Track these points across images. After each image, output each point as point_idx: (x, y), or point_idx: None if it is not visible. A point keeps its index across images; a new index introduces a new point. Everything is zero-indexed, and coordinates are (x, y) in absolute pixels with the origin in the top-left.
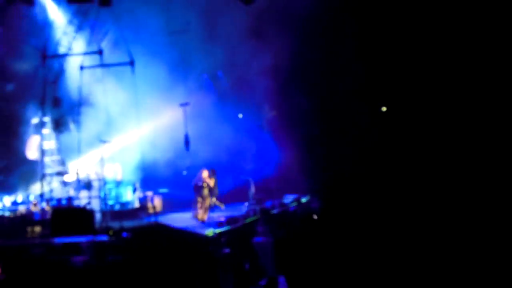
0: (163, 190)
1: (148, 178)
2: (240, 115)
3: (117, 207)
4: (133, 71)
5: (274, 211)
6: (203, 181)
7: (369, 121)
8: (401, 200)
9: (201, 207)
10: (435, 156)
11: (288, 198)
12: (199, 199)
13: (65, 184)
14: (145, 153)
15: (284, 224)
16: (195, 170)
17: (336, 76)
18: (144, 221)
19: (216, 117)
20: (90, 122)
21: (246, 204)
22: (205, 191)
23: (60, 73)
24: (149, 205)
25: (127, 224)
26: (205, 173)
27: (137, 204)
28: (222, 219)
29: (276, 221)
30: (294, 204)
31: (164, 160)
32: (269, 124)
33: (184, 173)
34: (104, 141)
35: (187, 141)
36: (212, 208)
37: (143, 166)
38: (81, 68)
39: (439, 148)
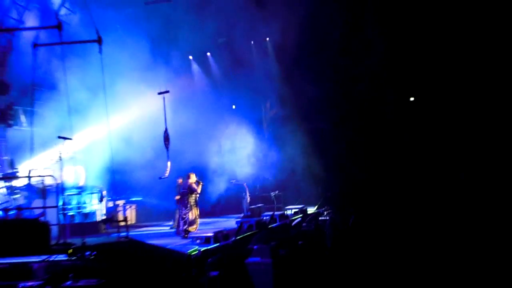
0: (137, 198)
1: (120, 183)
2: (234, 106)
3: (78, 219)
4: (100, 50)
5: (274, 225)
6: (189, 187)
7: (394, 114)
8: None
9: (184, 220)
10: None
11: (291, 209)
12: (185, 209)
13: (13, 190)
14: (116, 152)
15: (286, 242)
16: (177, 173)
17: (355, 57)
18: (113, 237)
19: (204, 109)
20: (47, 113)
21: (241, 215)
22: (191, 200)
23: (8, 52)
24: (120, 216)
25: (92, 240)
26: (192, 177)
27: (104, 216)
28: (210, 234)
29: (276, 238)
30: (299, 216)
31: (139, 161)
32: (270, 118)
33: (163, 177)
34: (63, 138)
35: (166, 138)
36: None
37: (113, 168)
38: (35, 45)
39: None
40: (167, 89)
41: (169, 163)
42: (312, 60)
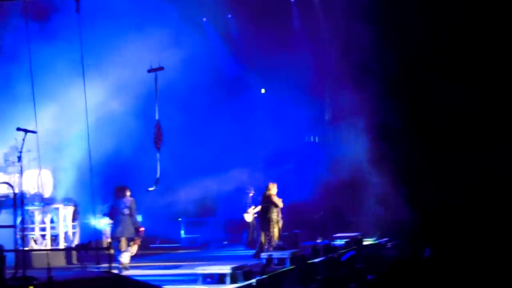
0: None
1: (107, 193)
2: (263, 90)
3: (44, 243)
4: (78, 8)
5: (316, 260)
6: (270, 200)
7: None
8: None
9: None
10: None
11: (341, 239)
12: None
13: None
14: (98, 152)
15: (333, 283)
16: (171, 181)
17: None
18: (90, 271)
19: (218, 93)
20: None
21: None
22: (274, 215)
23: None
24: (104, 240)
25: (61, 274)
26: (273, 188)
27: (77, 239)
28: (225, 270)
29: (319, 278)
30: (351, 249)
31: (131, 164)
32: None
33: (151, 188)
34: (24, 130)
35: (158, 134)
36: None
37: (97, 173)
38: None
39: None
40: (162, 65)
41: (158, 169)
42: (382, 23)
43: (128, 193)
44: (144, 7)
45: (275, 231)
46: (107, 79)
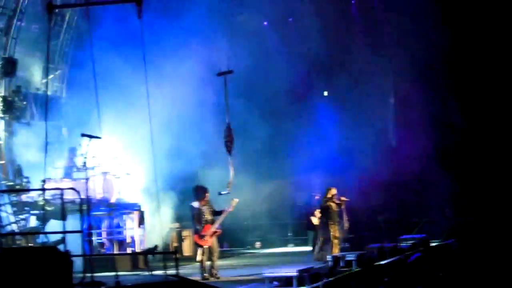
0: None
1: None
2: (326, 93)
3: (110, 248)
4: (140, 14)
5: (383, 262)
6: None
7: None
8: None
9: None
10: None
11: (407, 241)
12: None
13: (22, 207)
14: (166, 156)
15: (400, 286)
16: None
17: None
18: (158, 275)
19: (282, 95)
20: (67, 102)
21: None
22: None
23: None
24: (172, 244)
25: (128, 279)
26: (330, 192)
27: (145, 244)
28: (292, 273)
29: (386, 281)
30: (418, 250)
31: (200, 167)
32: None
33: (224, 192)
34: (89, 136)
35: (229, 137)
36: None
37: (164, 176)
38: (50, 6)
39: None
40: (230, 69)
41: (232, 173)
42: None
43: (205, 196)
44: (207, 12)
45: (332, 233)
46: (173, 83)
